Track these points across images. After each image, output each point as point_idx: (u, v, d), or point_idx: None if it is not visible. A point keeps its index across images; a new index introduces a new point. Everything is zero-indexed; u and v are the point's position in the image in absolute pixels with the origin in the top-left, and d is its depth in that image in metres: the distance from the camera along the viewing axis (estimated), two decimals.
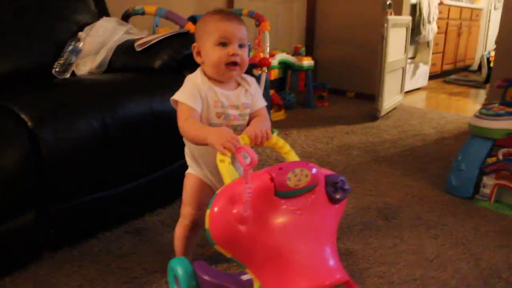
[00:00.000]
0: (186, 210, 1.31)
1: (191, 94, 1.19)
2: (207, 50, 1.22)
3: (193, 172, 1.31)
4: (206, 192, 1.28)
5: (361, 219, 1.79)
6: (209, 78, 1.23)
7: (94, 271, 1.42)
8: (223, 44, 1.19)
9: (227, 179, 0.99)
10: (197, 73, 1.25)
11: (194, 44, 1.27)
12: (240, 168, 1.16)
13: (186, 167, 1.32)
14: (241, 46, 1.21)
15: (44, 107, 1.44)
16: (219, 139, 1.04)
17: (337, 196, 0.99)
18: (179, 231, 1.34)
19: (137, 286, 1.36)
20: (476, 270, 1.47)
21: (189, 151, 1.30)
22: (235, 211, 0.89)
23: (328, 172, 1.03)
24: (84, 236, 1.58)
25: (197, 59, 1.27)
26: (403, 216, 1.83)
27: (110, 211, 1.63)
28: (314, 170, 0.97)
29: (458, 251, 1.57)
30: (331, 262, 0.92)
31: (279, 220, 0.92)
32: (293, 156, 1.15)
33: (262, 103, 1.31)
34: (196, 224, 1.31)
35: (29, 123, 1.35)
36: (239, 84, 1.28)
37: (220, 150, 1.02)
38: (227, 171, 1.00)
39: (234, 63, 1.20)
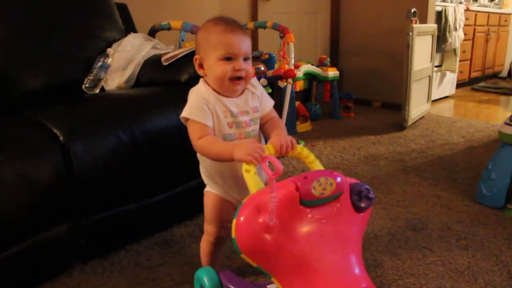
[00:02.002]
0: (210, 228, 1.30)
1: (200, 109, 1.17)
2: (210, 64, 1.19)
3: (211, 191, 1.28)
4: (227, 209, 1.27)
5: (389, 230, 1.77)
6: (213, 89, 1.21)
7: (123, 282, 1.44)
8: (229, 58, 1.17)
9: (252, 189, 0.99)
10: (201, 85, 1.23)
11: (196, 57, 1.24)
12: (265, 177, 1.17)
13: None
14: (245, 59, 1.19)
15: (75, 122, 1.49)
16: (246, 151, 1.04)
17: (362, 205, 1.00)
18: (204, 246, 1.34)
19: None
20: (509, 282, 1.43)
21: (205, 170, 1.28)
22: (261, 220, 0.90)
23: (353, 180, 1.03)
24: (113, 247, 1.61)
25: (200, 72, 1.24)
26: (432, 227, 1.80)
27: (139, 223, 1.65)
28: (339, 179, 0.97)
29: (490, 263, 1.54)
30: (357, 270, 0.92)
31: (305, 228, 0.93)
32: (318, 166, 1.15)
33: (270, 102, 1.30)
34: (221, 240, 1.31)
35: (61, 138, 1.39)
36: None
37: (249, 160, 1.02)
38: (253, 181, 1.01)
39: (239, 78, 1.18)
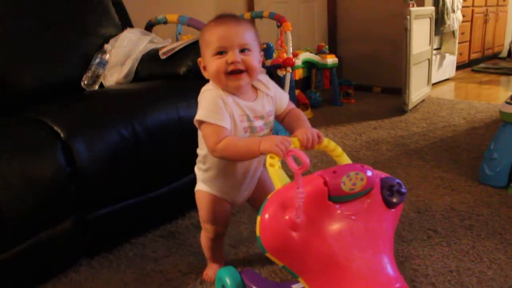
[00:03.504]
0: (207, 226, 1.30)
1: (218, 111, 1.09)
2: (207, 62, 1.13)
3: (204, 189, 1.26)
4: (222, 206, 1.26)
5: None
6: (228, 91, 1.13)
7: (130, 275, 1.45)
8: (221, 52, 1.10)
9: (277, 184, 0.95)
10: (215, 85, 1.15)
11: (199, 59, 1.18)
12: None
13: None
14: (244, 50, 1.11)
15: (76, 119, 1.49)
16: (273, 142, 0.99)
17: (394, 200, 0.95)
18: (205, 242, 1.35)
19: None
20: None
21: (208, 170, 1.24)
22: (287, 217, 0.86)
23: (383, 174, 0.98)
24: (119, 241, 1.63)
25: (205, 74, 1.18)
26: (436, 208, 1.80)
27: (143, 216, 1.66)
28: (369, 173, 0.92)
29: (494, 241, 1.54)
30: (389, 270, 0.87)
31: (334, 226, 0.89)
32: (345, 159, 1.10)
33: (286, 97, 1.25)
34: (220, 234, 1.31)
35: (62, 135, 1.40)
36: (256, 89, 1.19)
37: (276, 151, 0.97)
38: (278, 176, 0.96)
39: (237, 71, 1.10)
